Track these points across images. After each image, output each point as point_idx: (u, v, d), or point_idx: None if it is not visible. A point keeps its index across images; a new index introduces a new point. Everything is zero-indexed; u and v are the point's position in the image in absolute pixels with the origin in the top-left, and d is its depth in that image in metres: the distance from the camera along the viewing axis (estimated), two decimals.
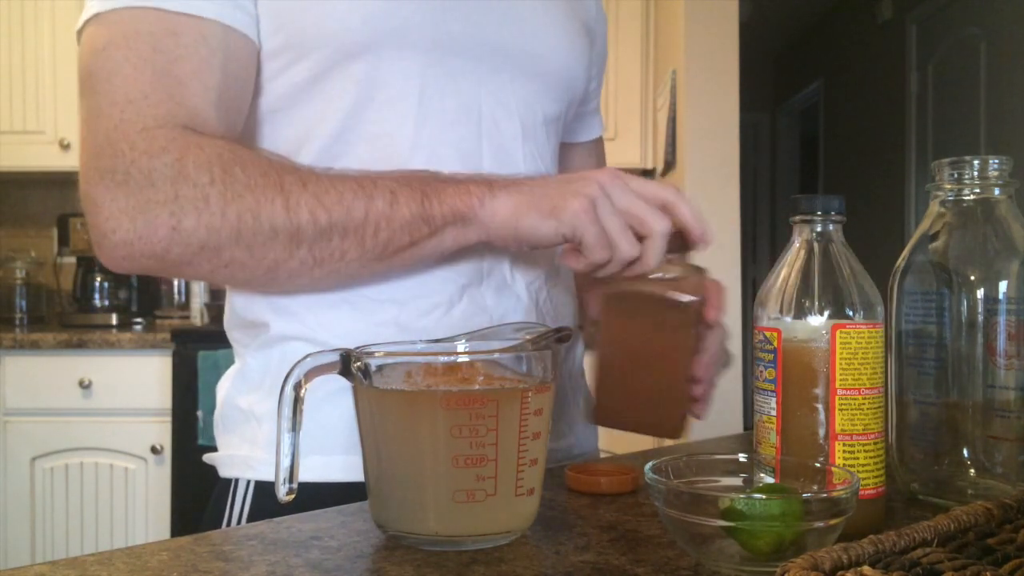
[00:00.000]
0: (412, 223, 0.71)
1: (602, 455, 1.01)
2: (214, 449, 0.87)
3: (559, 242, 0.72)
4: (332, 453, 0.78)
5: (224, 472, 0.84)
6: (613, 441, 1.12)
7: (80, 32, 0.75)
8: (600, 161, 1.11)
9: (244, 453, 0.82)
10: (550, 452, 0.90)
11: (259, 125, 0.81)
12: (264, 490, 0.80)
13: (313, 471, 0.76)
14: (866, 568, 0.42)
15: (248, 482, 0.81)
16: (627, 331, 0.76)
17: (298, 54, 0.77)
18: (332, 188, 0.70)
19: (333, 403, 0.76)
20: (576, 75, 0.93)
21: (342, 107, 0.78)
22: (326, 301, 0.80)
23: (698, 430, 0.87)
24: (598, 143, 1.10)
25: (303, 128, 0.79)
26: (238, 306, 0.85)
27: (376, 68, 0.77)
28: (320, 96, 0.78)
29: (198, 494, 2.64)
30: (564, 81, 0.91)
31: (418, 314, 0.80)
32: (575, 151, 1.05)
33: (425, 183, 0.72)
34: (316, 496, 0.70)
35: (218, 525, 0.81)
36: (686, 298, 0.73)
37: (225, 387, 0.87)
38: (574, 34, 0.93)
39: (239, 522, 0.80)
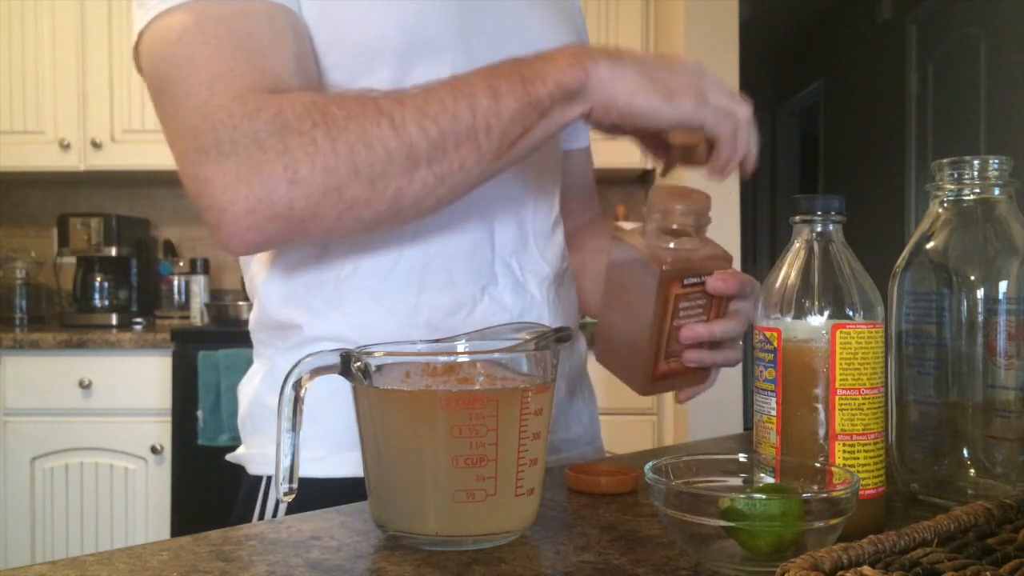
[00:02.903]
0: (521, 111, 0.70)
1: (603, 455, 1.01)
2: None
3: (674, 125, 0.73)
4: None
5: (254, 470, 0.85)
6: (613, 441, 1.12)
7: (141, 38, 0.74)
8: (591, 168, 1.13)
9: (274, 451, 0.83)
10: (558, 442, 0.92)
11: None
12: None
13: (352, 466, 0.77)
14: (866, 568, 0.42)
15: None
16: (614, 283, 0.80)
17: (333, 58, 0.78)
18: (431, 98, 0.69)
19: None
20: None
21: None
22: (359, 304, 0.81)
23: (698, 430, 0.87)
24: (589, 151, 1.12)
25: None
26: (269, 308, 0.85)
27: (406, 75, 0.78)
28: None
29: (198, 494, 2.64)
30: None
31: (445, 314, 0.82)
32: (570, 158, 1.06)
33: (518, 69, 0.71)
34: (349, 491, 0.72)
35: (249, 519, 0.83)
36: (664, 266, 0.74)
37: (252, 387, 0.88)
38: (568, 42, 0.95)
39: (273, 518, 0.82)
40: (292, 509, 0.67)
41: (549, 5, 0.94)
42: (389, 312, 0.82)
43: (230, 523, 0.77)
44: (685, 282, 0.76)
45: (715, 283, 0.76)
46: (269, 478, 0.84)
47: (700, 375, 0.83)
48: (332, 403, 0.76)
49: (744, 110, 0.76)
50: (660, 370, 0.79)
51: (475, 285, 0.84)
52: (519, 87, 0.69)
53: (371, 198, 0.69)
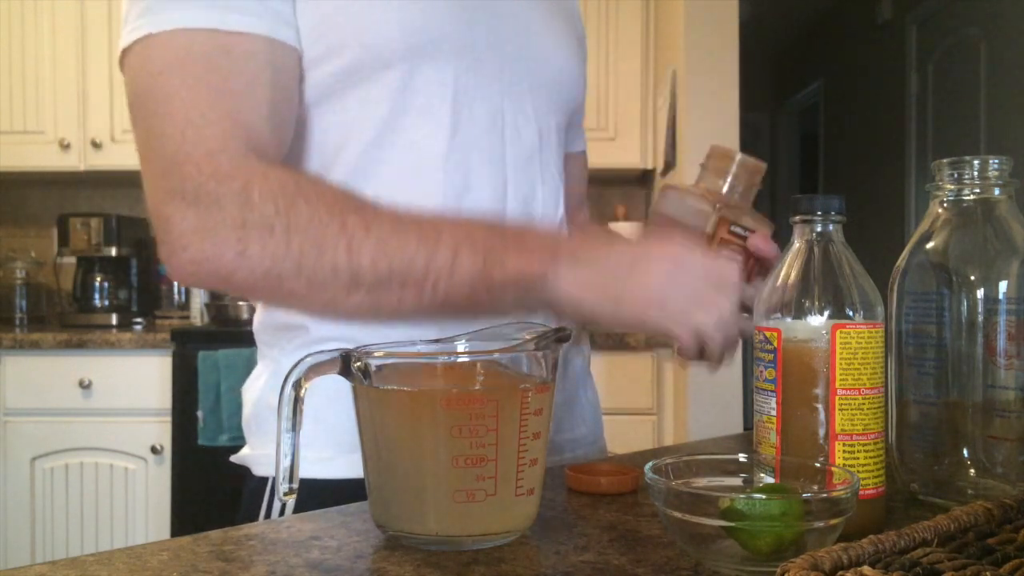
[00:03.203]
0: (472, 284, 0.71)
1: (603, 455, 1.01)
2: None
3: (628, 331, 0.75)
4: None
5: (259, 471, 0.85)
6: (613, 441, 1.12)
7: (127, 50, 0.75)
8: (586, 172, 1.14)
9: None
10: (562, 442, 0.92)
11: (299, 128, 0.82)
12: (300, 487, 0.82)
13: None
14: (866, 568, 0.42)
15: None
16: (662, 228, 0.85)
17: (338, 63, 0.78)
18: (395, 234, 0.70)
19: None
20: (579, 86, 0.97)
21: (379, 113, 0.80)
22: None
23: (698, 430, 0.87)
24: (585, 155, 1.12)
25: (341, 133, 0.81)
26: (274, 309, 0.85)
27: (411, 77, 0.80)
28: (356, 103, 0.80)
29: (198, 494, 2.64)
30: (570, 92, 0.95)
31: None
32: (568, 161, 1.06)
33: (489, 240, 0.72)
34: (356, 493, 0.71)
35: (253, 518, 0.83)
36: (717, 204, 0.81)
37: (256, 389, 0.87)
38: (575, 47, 0.97)
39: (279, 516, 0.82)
40: (299, 511, 0.67)
41: (550, 6, 0.94)
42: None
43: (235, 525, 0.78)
44: (732, 229, 0.79)
45: (757, 241, 0.79)
46: (274, 479, 0.83)
47: None
48: (337, 404, 0.76)
49: (723, 304, 0.74)
50: None
51: None
52: (480, 261, 0.71)
53: (307, 297, 0.72)
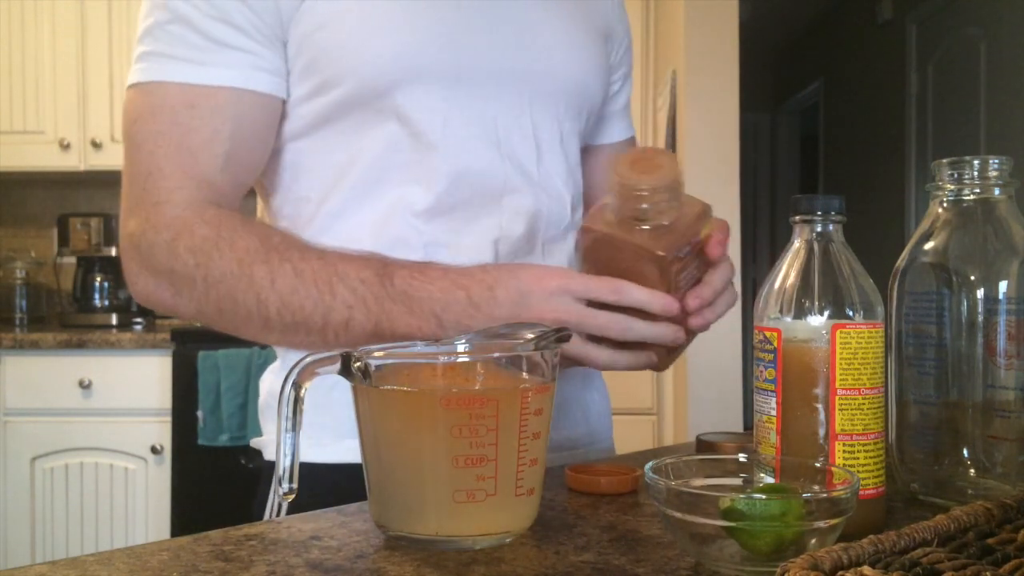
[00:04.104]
0: (366, 338, 0.75)
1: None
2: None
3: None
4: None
5: (269, 455, 0.90)
6: (613, 441, 1.12)
7: (127, 90, 0.84)
8: None
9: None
10: (566, 440, 0.92)
11: (291, 157, 0.87)
12: (303, 470, 0.83)
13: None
14: (866, 568, 0.42)
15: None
16: (601, 269, 0.75)
17: (334, 95, 0.82)
18: (297, 291, 0.76)
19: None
20: (591, 85, 0.95)
21: (376, 137, 0.83)
22: None
23: (699, 430, 0.87)
24: (628, 145, 1.10)
25: (338, 160, 0.85)
26: None
27: (402, 103, 0.82)
28: (350, 131, 0.84)
29: (198, 494, 2.64)
30: (579, 95, 0.94)
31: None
32: (601, 153, 1.06)
33: (379, 302, 0.74)
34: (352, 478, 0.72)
35: (265, 503, 0.87)
36: (661, 252, 0.72)
37: (269, 380, 0.93)
38: (589, 44, 0.96)
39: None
40: (303, 493, 0.68)
41: (565, 7, 0.94)
42: None
43: (253, 506, 0.86)
44: (679, 254, 0.73)
45: (715, 250, 0.76)
46: None
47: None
48: (335, 391, 0.79)
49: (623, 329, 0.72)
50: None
51: None
52: (372, 323, 0.75)
53: (237, 332, 0.81)
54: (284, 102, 0.84)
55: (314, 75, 0.82)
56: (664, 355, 0.78)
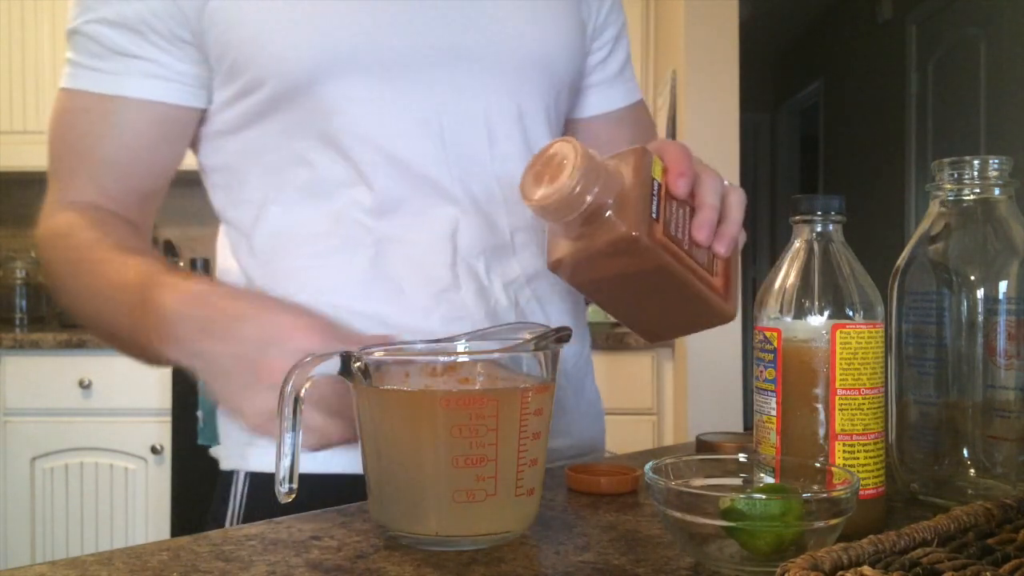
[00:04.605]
0: (139, 351, 0.78)
1: (603, 455, 1.01)
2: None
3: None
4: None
5: (223, 464, 0.87)
6: (613, 441, 1.12)
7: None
8: (636, 133, 1.01)
9: (240, 444, 0.84)
10: (550, 451, 0.91)
11: (225, 159, 0.86)
12: (257, 481, 0.83)
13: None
14: (866, 568, 0.42)
15: (245, 474, 0.84)
16: (605, 288, 0.68)
17: (257, 94, 0.80)
18: (95, 298, 0.79)
19: None
20: (557, 58, 0.88)
21: (308, 136, 0.81)
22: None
23: (698, 430, 0.86)
24: (631, 112, 1.01)
25: (276, 158, 0.83)
26: None
27: (329, 98, 0.79)
28: (281, 130, 0.81)
29: (198, 494, 2.63)
30: (542, 70, 0.86)
31: (399, 328, 0.79)
32: (591, 126, 0.99)
33: (144, 314, 0.71)
34: (316, 491, 0.71)
35: (222, 515, 0.84)
36: (633, 232, 0.62)
37: None
38: (552, 11, 0.88)
39: (240, 511, 0.83)
40: (298, 510, 0.67)
41: None
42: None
43: (207, 516, 0.84)
44: (651, 216, 0.63)
45: (678, 187, 0.66)
46: (237, 472, 0.85)
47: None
48: None
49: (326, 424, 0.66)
50: (718, 284, 0.68)
51: (426, 292, 0.82)
52: (135, 328, 0.74)
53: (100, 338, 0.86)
54: (197, 107, 0.83)
55: (237, 76, 0.80)
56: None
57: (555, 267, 0.67)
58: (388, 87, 0.80)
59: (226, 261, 0.89)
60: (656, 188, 0.64)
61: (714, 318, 0.69)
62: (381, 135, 0.80)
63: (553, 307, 0.91)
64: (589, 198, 0.61)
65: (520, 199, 0.83)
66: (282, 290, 0.81)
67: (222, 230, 0.91)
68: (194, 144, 0.88)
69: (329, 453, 0.79)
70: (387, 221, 0.82)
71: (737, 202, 0.69)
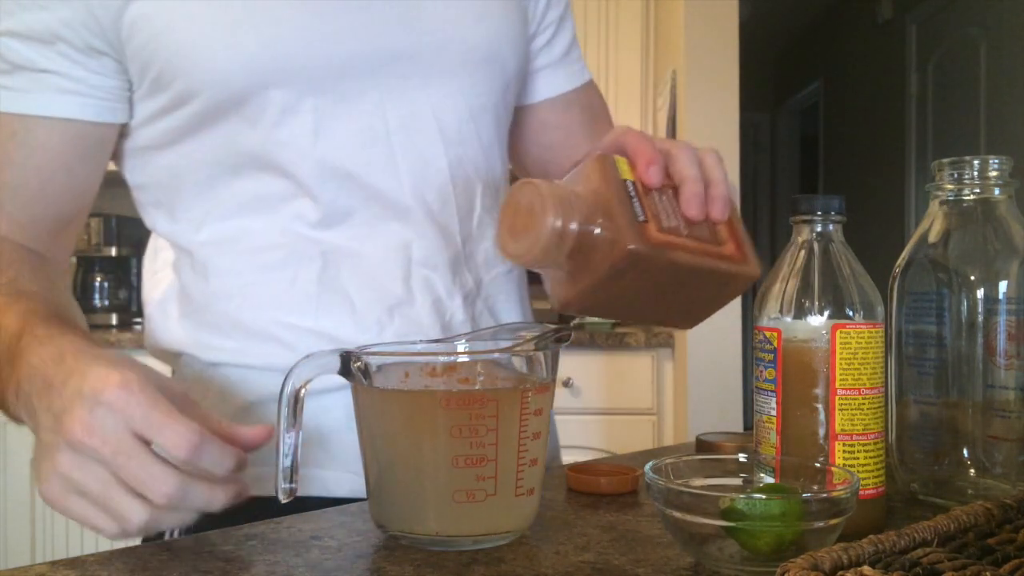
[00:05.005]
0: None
1: (603, 455, 1.01)
2: None
3: None
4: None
5: None
6: (613, 441, 1.12)
7: None
8: (586, 117, 0.97)
9: None
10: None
11: (159, 176, 0.81)
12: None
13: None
14: (866, 568, 0.42)
15: None
16: (623, 306, 0.65)
17: (187, 107, 0.75)
18: None
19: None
20: (502, 52, 0.85)
21: (244, 150, 0.76)
22: (254, 336, 0.79)
23: (698, 430, 0.86)
24: (580, 94, 0.97)
25: (213, 173, 0.78)
26: (158, 337, 0.84)
27: (263, 108, 0.75)
28: (217, 145, 0.77)
29: None
30: (487, 65, 0.83)
31: (351, 344, 0.75)
32: (539, 112, 0.96)
33: (12, 370, 0.61)
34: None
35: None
36: (631, 245, 0.58)
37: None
38: (491, 4, 0.85)
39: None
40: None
41: None
42: (282, 345, 0.78)
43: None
44: (641, 217, 0.60)
45: (649, 177, 0.62)
46: None
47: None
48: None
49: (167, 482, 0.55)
50: (730, 251, 0.64)
51: (379, 307, 0.79)
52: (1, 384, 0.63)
53: None
54: (116, 122, 0.77)
55: (165, 88, 0.74)
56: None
57: (564, 308, 0.64)
58: (331, 95, 0.76)
59: (156, 277, 0.85)
60: (631, 189, 0.62)
61: (740, 284, 0.65)
62: (324, 146, 0.76)
63: (509, 315, 0.89)
64: (573, 227, 0.58)
65: (473, 206, 0.83)
66: (225, 308, 0.79)
67: (154, 246, 0.87)
68: (116, 159, 0.82)
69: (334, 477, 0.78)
70: (335, 233, 0.78)
71: (714, 162, 0.65)
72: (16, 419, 0.62)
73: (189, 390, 0.77)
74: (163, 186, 0.81)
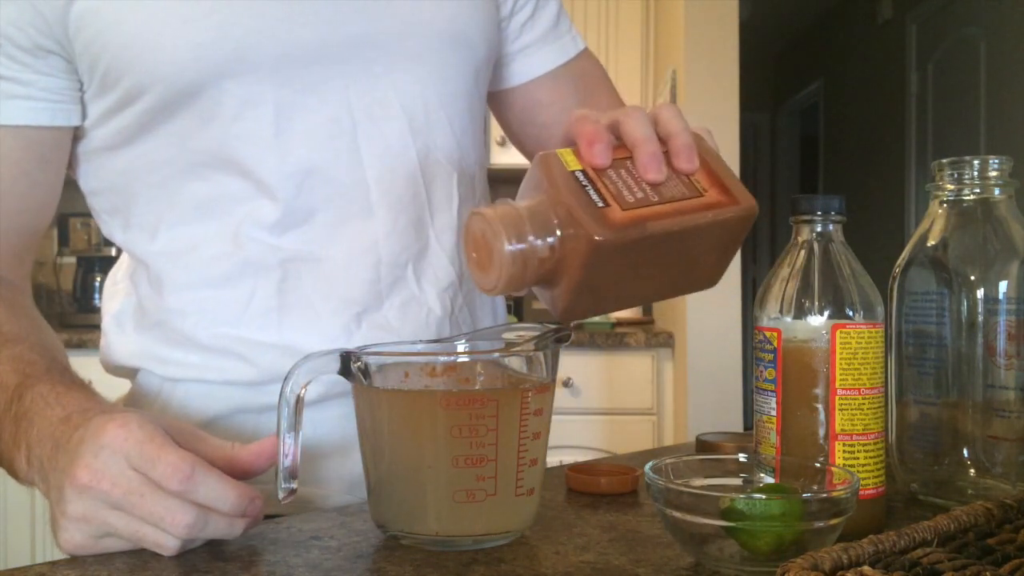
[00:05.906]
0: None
1: (603, 455, 1.01)
2: None
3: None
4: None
5: None
6: (613, 441, 1.12)
7: None
8: (580, 88, 0.94)
9: None
10: None
11: (112, 180, 0.78)
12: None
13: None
14: (866, 568, 0.42)
15: None
16: (625, 292, 0.62)
17: (138, 104, 0.72)
18: None
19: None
20: (471, 35, 0.81)
21: (199, 148, 0.73)
22: (214, 352, 0.76)
23: (698, 430, 0.86)
24: (571, 67, 0.93)
25: (165, 175, 0.75)
26: (113, 351, 0.81)
27: (219, 102, 0.71)
28: (169, 143, 0.73)
29: None
30: (455, 49, 0.80)
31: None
32: (533, 90, 0.92)
33: (16, 429, 0.61)
34: None
35: None
36: (597, 237, 0.54)
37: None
38: None
39: None
40: None
41: None
42: (242, 360, 0.75)
43: None
44: (601, 202, 0.56)
45: (595, 158, 0.57)
46: None
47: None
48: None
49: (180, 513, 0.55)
50: (714, 198, 0.59)
51: (346, 314, 0.76)
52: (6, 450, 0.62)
53: None
54: (69, 125, 0.74)
55: (115, 84, 0.71)
56: None
57: (566, 318, 0.61)
58: (291, 85, 0.72)
59: (115, 288, 0.83)
60: (582, 178, 0.57)
61: (737, 225, 0.60)
62: (284, 140, 0.73)
63: (485, 311, 0.87)
64: (532, 241, 0.55)
65: (450, 194, 0.79)
66: (181, 325, 0.76)
67: (120, 256, 0.84)
68: (71, 166, 0.79)
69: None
70: (294, 237, 0.74)
71: (671, 114, 0.60)
72: (29, 483, 0.61)
73: (148, 406, 0.77)
74: (117, 190, 0.78)
